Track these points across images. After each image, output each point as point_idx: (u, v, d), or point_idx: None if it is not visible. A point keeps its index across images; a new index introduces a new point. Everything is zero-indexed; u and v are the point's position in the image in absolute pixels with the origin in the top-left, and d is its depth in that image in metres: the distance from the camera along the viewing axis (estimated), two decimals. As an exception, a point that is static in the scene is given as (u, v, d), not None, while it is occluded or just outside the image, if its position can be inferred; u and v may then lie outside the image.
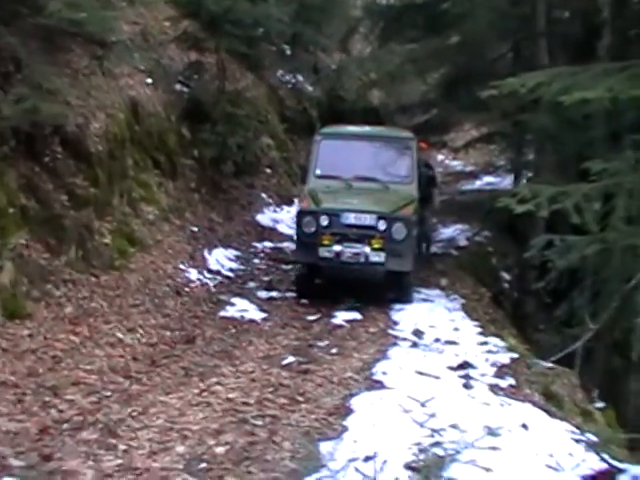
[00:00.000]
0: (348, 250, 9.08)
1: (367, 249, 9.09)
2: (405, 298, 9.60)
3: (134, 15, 12.30)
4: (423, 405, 5.07)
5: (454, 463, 4.25)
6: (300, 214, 9.62)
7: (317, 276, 9.83)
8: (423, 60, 14.97)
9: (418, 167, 10.43)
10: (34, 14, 7.26)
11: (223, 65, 12.46)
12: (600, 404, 9.26)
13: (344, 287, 9.92)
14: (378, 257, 9.10)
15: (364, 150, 10.35)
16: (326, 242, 9.14)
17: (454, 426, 5.09)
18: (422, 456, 4.27)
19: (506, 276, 12.95)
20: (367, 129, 11.87)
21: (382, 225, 9.17)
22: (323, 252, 9.13)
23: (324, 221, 9.22)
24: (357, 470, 4.51)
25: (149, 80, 11.31)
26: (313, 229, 9.24)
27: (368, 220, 9.22)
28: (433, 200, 12.01)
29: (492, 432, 4.51)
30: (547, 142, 10.94)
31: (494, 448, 4.78)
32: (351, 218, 9.24)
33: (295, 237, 9.96)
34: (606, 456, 4.94)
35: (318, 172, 10.27)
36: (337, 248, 9.10)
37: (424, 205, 11.20)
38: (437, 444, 4.46)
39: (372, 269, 9.37)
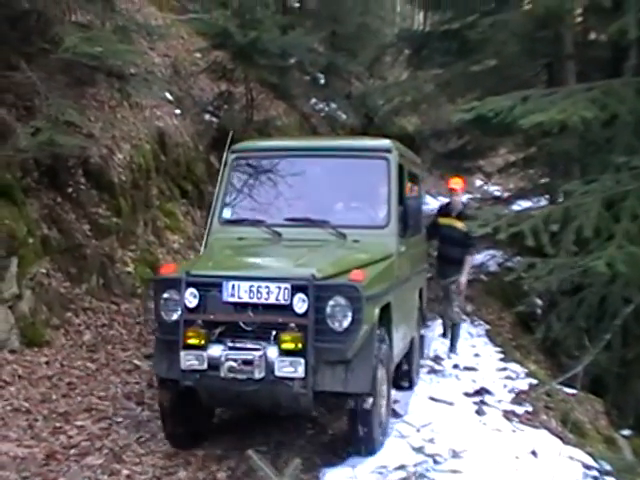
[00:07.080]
0: (233, 356, 4.83)
1: (272, 351, 4.82)
2: (361, 444, 5.15)
3: (165, 48, 12.66)
4: (418, 431, 5.01)
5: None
6: (154, 286, 5.39)
7: (195, 401, 5.34)
8: (454, 85, 14.98)
9: (400, 195, 6.19)
10: (55, 50, 7.48)
11: (251, 94, 12.64)
12: (627, 432, 9.03)
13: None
14: (292, 367, 4.74)
15: (308, 175, 6.32)
16: (193, 340, 4.92)
17: (453, 452, 5.04)
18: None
19: (539, 302, 12.75)
20: (316, 141, 8.13)
21: (301, 303, 4.84)
22: (187, 359, 4.88)
23: (191, 299, 5.03)
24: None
25: (177, 111, 11.55)
26: (175, 315, 5.08)
27: (273, 294, 4.89)
28: (463, 267, 8.27)
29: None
30: (572, 165, 10.83)
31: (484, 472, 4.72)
32: (241, 292, 4.94)
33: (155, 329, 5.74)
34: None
35: (226, 215, 6.34)
36: (213, 352, 4.89)
37: (447, 276, 8.39)
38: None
39: (283, 390, 4.82)
